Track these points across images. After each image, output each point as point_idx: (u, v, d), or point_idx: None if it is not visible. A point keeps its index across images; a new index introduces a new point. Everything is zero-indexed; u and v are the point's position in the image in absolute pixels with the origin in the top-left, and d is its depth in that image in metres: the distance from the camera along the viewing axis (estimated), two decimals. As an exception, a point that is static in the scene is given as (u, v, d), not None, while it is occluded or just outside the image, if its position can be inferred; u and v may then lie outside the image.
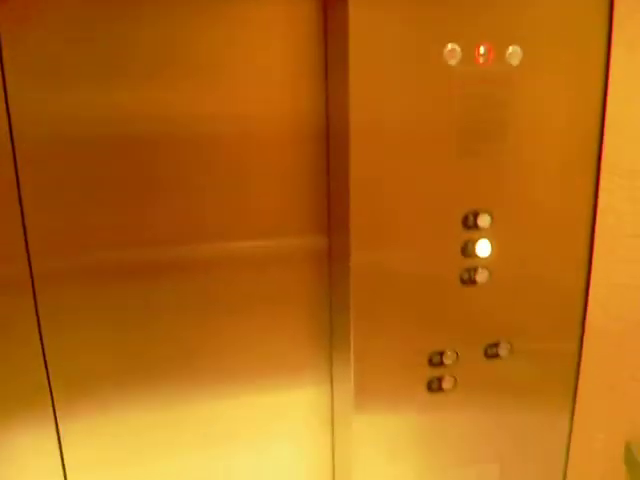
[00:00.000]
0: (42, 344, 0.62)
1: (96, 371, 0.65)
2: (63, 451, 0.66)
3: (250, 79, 0.62)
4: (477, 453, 0.72)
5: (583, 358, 0.71)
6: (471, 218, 0.62)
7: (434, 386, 0.67)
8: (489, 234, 0.63)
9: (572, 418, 0.73)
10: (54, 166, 0.59)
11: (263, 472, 0.74)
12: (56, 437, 0.65)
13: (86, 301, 0.63)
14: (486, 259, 0.64)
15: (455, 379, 0.67)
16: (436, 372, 0.67)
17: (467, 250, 0.63)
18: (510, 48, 0.59)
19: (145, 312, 0.65)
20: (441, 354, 0.66)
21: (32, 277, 0.60)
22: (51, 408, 0.64)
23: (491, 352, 0.68)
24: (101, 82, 0.58)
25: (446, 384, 0.67)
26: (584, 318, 0.70)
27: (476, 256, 0.63)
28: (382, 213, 0.61)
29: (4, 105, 0.56)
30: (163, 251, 0.64)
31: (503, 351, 0.68)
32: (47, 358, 0.63)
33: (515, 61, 0.60)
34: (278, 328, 0.70)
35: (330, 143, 0.65)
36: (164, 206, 0.62)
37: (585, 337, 0.70)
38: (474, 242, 0.63)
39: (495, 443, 0.72)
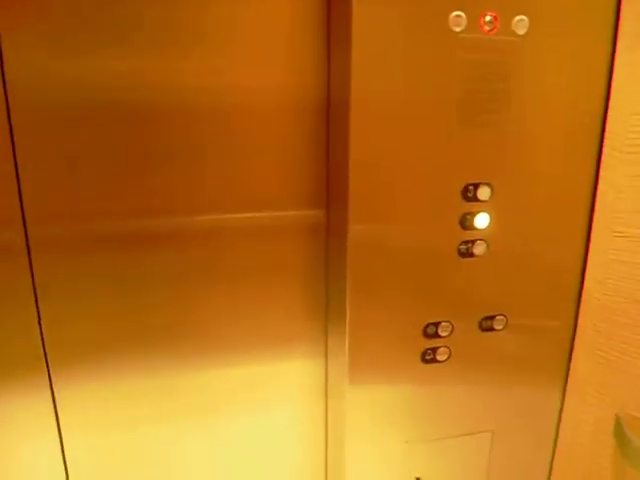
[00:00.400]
0: (38, 310, 0.62)
1: (91, 337, 0.65)
2: (58, 414, 0.66)
3: (252, 51, 0.61)
4: (470, 423, 0.73)
5: (577, 332, 0.71)
6: (471, 190, 0.62)
7: (429, 357, 0.67)
8: (488, 207, 0.63)
9: (564, 391, 0.74)
10: (52, 132, 0.58)
11: (257, 440, 0.75)
12: (51, 400, 0.65)
13: (82, 269, 0.62)
14: (484, 232, 0.64)
15: (450, 350, 0.68)
16: (431, 343, 0.67)
17: (466, 222, 0.63)
18: (517, 17, 0.58)
19: (141, 281, 0.65)
20: (436, 325, 0.66)
21: (28, 244, 0.60)
22: (46, 373, 0.64)
23: (486, 325, 0.68)
24: (101, 49, 0.57)
25: (441, 355, 0.67)
26: (580, 293, 0.70)
27: (475, 228, 0.63)
28: (381, 186, 0.61)
29: None
30: (161, 221, 0.64)
31: (498, 324, 0.69)
32: (42, 324, 0.63)
33: (521, 30, 0.59)
34: (274, 299, 0.70)
35: (330, 116, 0.64)
36: (162, 176, 0.62)
37: (580, 312, 0.70)
38: (473, 214, 0.63)
39: (488, 414, 0.73)
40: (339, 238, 0.64)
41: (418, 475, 0.74)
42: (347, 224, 0.61)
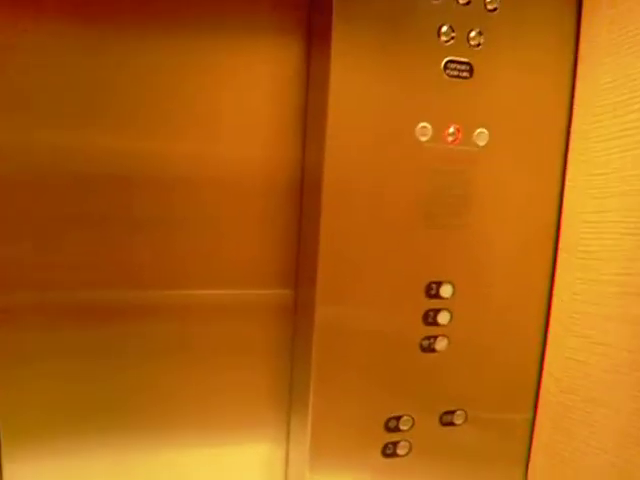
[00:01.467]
0: None
1: (46, 416, 0.63)
2: None
3: (229, 126, 0.63)
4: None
5: (535, 429, 0.72)
6: (434, 287, 0.64)
7: (389, 451, 0.67)
8: (450, 304, 0.65)
9: (523, 489, 0.74)
10: (21, 200, 0.58)
11: None
12: None
13: (40, 343, 0.61)
14: (446, 328, 0.66)
15: (410, 444, 0.68)
16: (392, 437, 0.67)
17: (428, 318, 0.65)
18: (478, 130, 0.63)
19: (98, 357, 0.63)
20: (398, 419, 0.66)
21: None
22: None
23: (446, 419, 0.69)
24: (76, 121, 0.58)
25: (401, 450, 0.67)
26: (538, 389, 0.72)
27: (437, 324, 0.65)
28: (349, 271, 0.63)
29: None
30: (129, 294, 0.63)
31: (458, 419, 0.69)
32: None
33: (482, 142, 0.63)
34: (237, 379, 0.69)
35: (303, 197, 0.66)
36: (132, 248, 0.62)
37: (538, 408, 0.72)
38: (436, 311, 0.65)
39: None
40: (306, 318, 0.65)
41: None
42: (314, 305, 0.62)
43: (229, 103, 0.62)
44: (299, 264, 0.68)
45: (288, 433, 0.72)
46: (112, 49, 0.58)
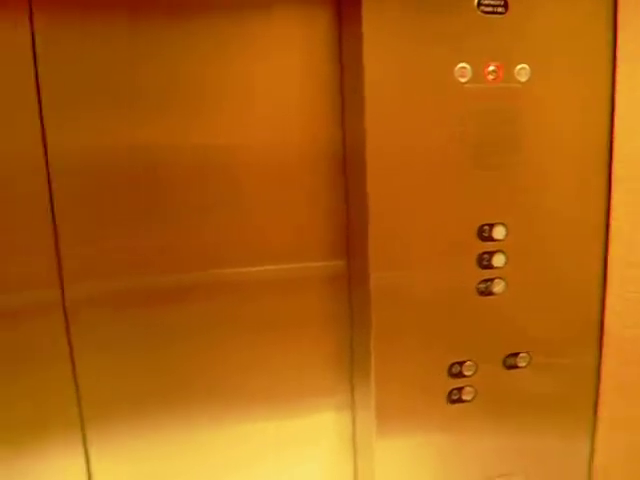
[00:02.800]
0: (73, 367, 0.63)
1: (124, 394, 0.65)
2: (91, 473, 0.66)
3: (267, 106, 0.64)
4: (500, 466, 0.72)
5: (602, 366, 0.71)
6: (487, 230, 0.64)
7: (455, 397, 0.67)
8: (504, 245, 0.65)
9: (594, 426, 0.73)
10: (83, 194, 0.61)
11: None
12: (84, 459, 0.66)
13: (113, 325, 0.64)
14: (502, 270, 0.65)
15: (475, 390, 0.68)
16: (456, 383, 0.67)
17: (483, 262, 0.64)
18: (519, 66, 0.61)
19: (169, 336, 0.66)
20: (461, 365, 0.67)
21: (64, 302, 0.61)
22: (80, 431, 0.65)
23: (510, 362, 0.69)
24: (120, 112, 0.60)
25: (466, 395, 0.68)
26: (602, 326, 0.70)
27: (492, 267, 0.65)
28: (399, 232, 0.63)
29: (41, 136, 0.58)
30: (188, 276, 0.65)
31: (522, 361, 0.69)
32: (78, 381, 0.64)
33: (523, 78, 0.62)
34: (299, 352, 0.70)
35: (347, 167, 0.66)
36: (190, 232, 0.64)
37: (603, 345, 0.71)
38: (490, 254, 0.64)
39: (518, 454, 0.73)
40: (361, 287, 0.66)
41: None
42: (368, 272, 0.63)
43: (265, 78, 0.63)
44: (350, 234, 0.68)
45: (353, 400, 0.73)
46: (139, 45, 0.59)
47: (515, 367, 0.69)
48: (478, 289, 0.65)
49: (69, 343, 0.62)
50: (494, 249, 0.64)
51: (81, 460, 0.65)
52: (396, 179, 0.61)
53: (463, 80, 0.60)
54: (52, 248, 0.60)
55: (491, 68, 0.61)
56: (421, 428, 0.69)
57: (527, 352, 0.69)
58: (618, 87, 0.65)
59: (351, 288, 0.69)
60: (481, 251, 0.64)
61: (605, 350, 0.71)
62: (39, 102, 0.57)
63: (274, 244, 0.67)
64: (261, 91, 0.63)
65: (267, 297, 0.68)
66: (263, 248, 0.67)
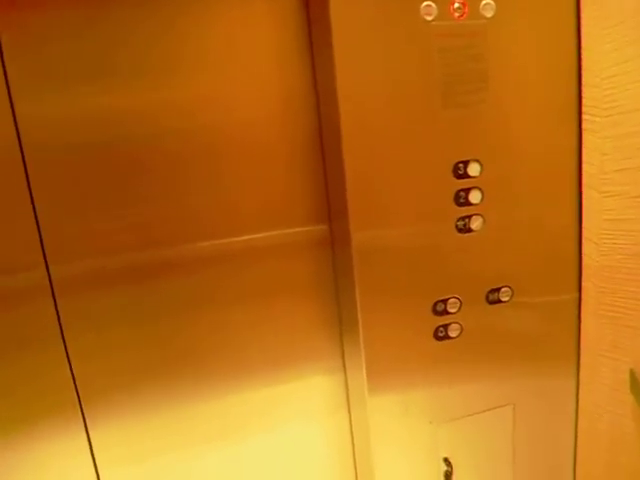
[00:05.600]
0: (65, 347, 0.64)
1: (118, 369, 0.66)
2: (93, 449, 0.68)
3: (240, 73, 0.63)
4: (490, 398, 0.75)
5: (582, 296, 0.73)
6: (461, 167, 0.65)
7: (441, 334, 0.69)
8: (480, 182, 0.66)
9: (578, 352, 0.76)
10: (60, 172, 0.60)
11: (284, 458, 0.76)
12: (86, 437, 0.67)
13: (101, 302, 0.64)
14: (479, 206, 0.66)
15: (461, 326, 0.70)
16: (442, 320, 0.69)
17: (460, 199, 0.66)
18: (483, 1, 0.62)
19: (158, 310, 0.66)
20: (445, 302, 0.68)
21: (51, 283, 0.62)
22: (79, 409, 0.66)
23: (493, 298, 0.70)
24: (95, 85, 0.59)
25: (453, 332, 0.70)
26: (580, 257, 0.72)
27: (470, 204, 0.66)
28: (377, 183, 0.64)
29: (11, 113, 0.57)
30: (173, 249, 0.66)
31: (504, 296, 0.71)
32: (71, 360, 0.64)
33: (489, 13, 0.62)
34: (288, 317, 0.72)
35: (322, 126, 0.67)
36: (172, 205, 0.64)
37: (582, 275, 0.73)
38: (466, 190, 0.65)
39: (507, 387, 0.75)
40: (343, 247, 0.67)
41: (446, 455, 0.76)
42: (349, 230, 0.64)
43: (235, 44, 0.63)
44: (329, 197, 0.69)
45: (344, 361, 0.75)
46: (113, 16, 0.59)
47: (498, 302, 0.71)
48: (457, 226, 0.67)
49: (59, 323, 0.63)
50: (470, 186, 0.66)
51: (82, 438, 0.67)
52: (369, 129, 0.62)
53: (429, 18, 0.60)
54: (33, 228, 0.60)
55: (456, 5, 0.61)
56: (410, 370, 0.71)
57: (509, 287, 0.71)
58: (583, 19, 0.65)
59: (334, 250, 0.71)
60: (457, 188, 0.65)
61: (584, 279, 0.73)
62: (5, 75, 0.57)
63: (257, 213, 0.67)
64: (233, 59, 0.63)
65: (254, 266, 0.69)
66: (246, 218, 0.67)
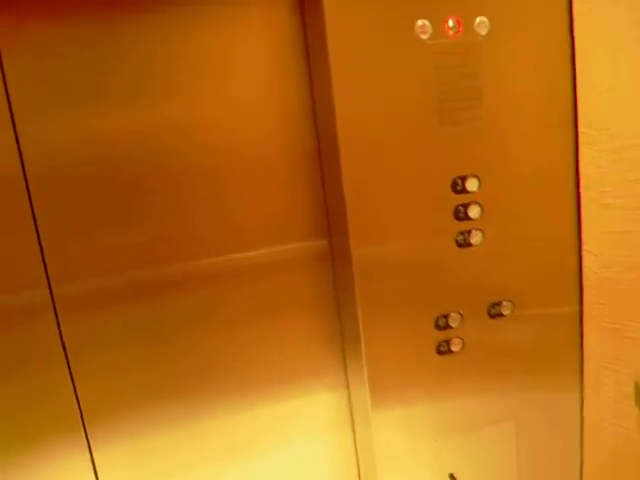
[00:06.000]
0: (69, 367, 0.64)
1: (122, 389, 0.66)
2: (97, 472, 0.67)
3: (238, 92, 0.64)
4: (491, 413, 0.75)
5: (584, 309, 0.73)
6: (460, 183, 0.65)
7: (443, 349, 0.69)
8: (479, 197, 0.66)
9: (582, 367, 0.75)
10: (63, 192, 0.61)
11: (291, 475, 0.76)
12: (89, 457, 0.66)
13: (105, 321, 0.64)
14: (478, 221, 0.67)
15: (463, 341, 0.70)
16: (444, 335, 0.69)
17: (459, 214, 0.66)
18: (477, 19, 0.63)
19: (161, 328, 0.67)
20: (446, 317, 0.68)
21: (54, 302, 0.62)
22: (82, 430, 0.65)
23: (494, 312, 0.70)
24: (96, 104, 0.60)
25: (454, 346, 0.69)
26: (580, 270, 0.73)
27: (469, 219, 0.66)
28: (376, 200, 0.64)
29: (13, 133, 0.58)
30: (175, 267, 0.66)
31: (506, 309, 0.71)
32: (75, 380, 0.64)
33: (483, 31, 0.63)
34: (291, 334, 0.72)
35: (321, 147, 0.67)
36: (175, 224, 0.65)
37: (583, 288, 0.73)
38: (465, 205, 0.66)
39: (508, 401, 0.75)
40: (344, 262, 0.67)
41: (451, 471, 0.75)
42: (349, 246, 0.64)
43: (234, 59, 0.63)
44: (329, 213, 0.70)
45: (347, 378, 0.75)
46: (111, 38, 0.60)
47: (500, 315, 0.71)
48: (457, 241, 0.67)
49: (62, 343, 0.63)
50: (469, 201, 0.66)
51: (86, 458, 0.66)
52: (367, 148, 0.63)
53: (424, 37, 0.61)
54: (36, 247, 0.60)
55: (450, 23, 0.62)
56: (413, 386, 0.71)
57: (510, 300, 0.71)
58: (577, 36, 0.66)
59: (335, 266, 0.71)
60: (457, 203, 0.66)
61: (585, 292, 0.73)
62: (7, 94, 0.57)
63: (258, 229, 0.68)
64: (232, 73, 0.64)
65: (256, 282, 0.69)
66: (248, 234, 0.68)
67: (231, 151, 0.65)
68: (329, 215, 0.70)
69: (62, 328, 0.63)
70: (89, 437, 0.66)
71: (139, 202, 0.63)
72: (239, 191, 0.66)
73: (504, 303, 0.70)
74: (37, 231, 0.60)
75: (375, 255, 0.65)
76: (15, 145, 0.58)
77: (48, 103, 0.59)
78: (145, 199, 0.63)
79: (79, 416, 0.65)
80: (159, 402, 0.68)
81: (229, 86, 0.64)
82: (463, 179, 0.65)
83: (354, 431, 0.77)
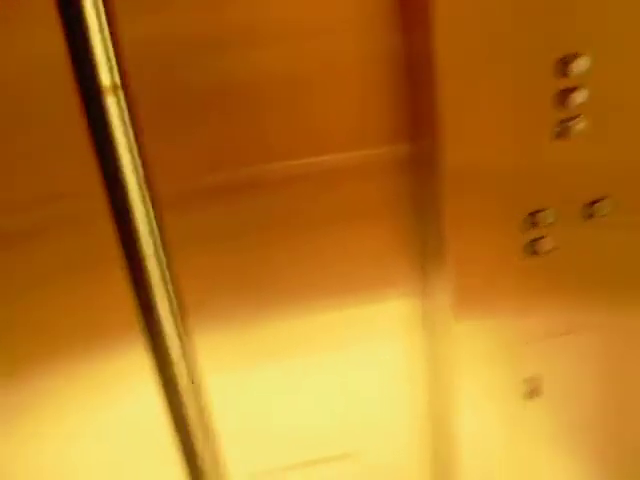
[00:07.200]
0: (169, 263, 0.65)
1: (224, 287, 0.68)
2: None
3: None
4: (578, 318, 0.71)
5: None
6: (564, 63, 0.59)
7: (533, 250, 0.66)
8: (585, 80, 0.59)
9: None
10: (164, 89, 0.59)
11: (356, 377, 0.77)
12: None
13: (202, 220, 0.65)
14: (582, 107, 0.60)
15: (553, 241, 0.66)
16: (534, 235, 0.65)
17: (560, 100, 0.60)
18: None
19: (233, 231, 0.66)
20: (537, 215, 0.64)
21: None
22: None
23: (591, 212, 0.65)
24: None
25: (545, 246, 0.66)
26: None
27: (571, 105, 0.60)
28: (471, 92, 0.58)
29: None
30: (251, 169, 0.64)
31: (604, 211, 0.65)
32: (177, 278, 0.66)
33: None
34: (368, 241, 0.70)
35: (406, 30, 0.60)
36: (251, 125, 0.62)
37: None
38: (568, 90, 0.60)
39: (599, 309, 0.71)
40: (429, 166, 0.63)
41: (529, 375, 0.74)
42: (440, 145, 0.60)
43: None
44: (413, 111, 0.64)
45: (424, 283, 0.73)
46: None
47: (596, 217, 0.66)
48: (555, 132, 0.61)
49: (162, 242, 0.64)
50: (573, 85, 0.59)
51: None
52: (463, 26, 0.56)
53: None
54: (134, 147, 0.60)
55: None
56: (498, 292, 0.68)
57: (610, 201, 0.65)
58: None
59: (417, 171, 0.67)
60: (558, 88, 0.59)
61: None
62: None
63: (333, 132, 0.64)
64: None
65: (333, 187, 0.66)
66: (325, 136, 0.64)
67: (310, 51, 0.60)
68: (413, 113, 0.64)
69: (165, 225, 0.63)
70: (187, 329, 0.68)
71: (224, 104, 0.61)
72: (318, 93, 0.62)
73: (603, 203, 0.65)
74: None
75: (467, 158, 0.61)
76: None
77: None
78: (224, 103, 0.61)
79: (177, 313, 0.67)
80: (245, 300, 0.70)
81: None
82: (570, 58, 0.58)
83: (429, 338, 0.76)
